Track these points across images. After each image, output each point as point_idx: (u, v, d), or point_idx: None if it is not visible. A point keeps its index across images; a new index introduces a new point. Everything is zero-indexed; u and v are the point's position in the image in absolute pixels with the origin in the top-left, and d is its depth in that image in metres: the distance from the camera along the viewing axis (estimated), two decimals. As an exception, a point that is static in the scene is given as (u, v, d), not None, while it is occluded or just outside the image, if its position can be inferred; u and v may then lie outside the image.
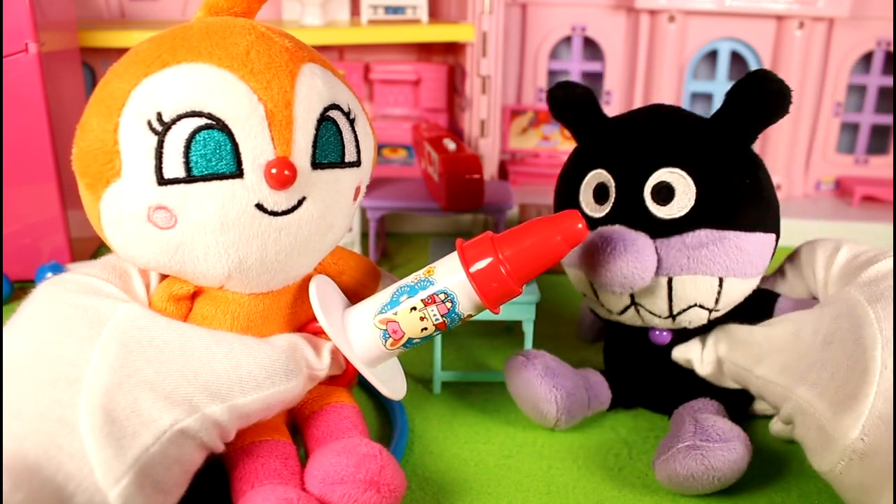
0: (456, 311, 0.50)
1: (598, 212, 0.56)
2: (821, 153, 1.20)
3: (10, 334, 0.43)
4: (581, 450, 0.59)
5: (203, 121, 0.43)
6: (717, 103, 1.06)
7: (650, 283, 0.54)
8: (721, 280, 0.54)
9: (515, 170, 1.20)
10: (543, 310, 0.81)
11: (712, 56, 1.19)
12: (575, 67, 1.21)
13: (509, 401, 0.66)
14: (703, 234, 0.53)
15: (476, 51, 1.03)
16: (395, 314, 0.50)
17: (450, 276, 0.49)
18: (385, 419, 0.63)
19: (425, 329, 0.50)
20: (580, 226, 0.48)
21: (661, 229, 0.53)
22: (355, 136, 0.50)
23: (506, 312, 0.65)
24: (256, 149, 0.44)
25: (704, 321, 0.57)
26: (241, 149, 0.43)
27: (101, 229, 0.47)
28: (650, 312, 0.56)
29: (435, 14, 1.17)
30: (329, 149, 0.47)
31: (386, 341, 0.50)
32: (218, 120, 0.43)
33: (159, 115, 0.43)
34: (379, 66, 1.18)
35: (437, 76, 1.18)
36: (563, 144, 1.22)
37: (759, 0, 1.09)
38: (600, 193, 0.56)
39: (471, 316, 0.51)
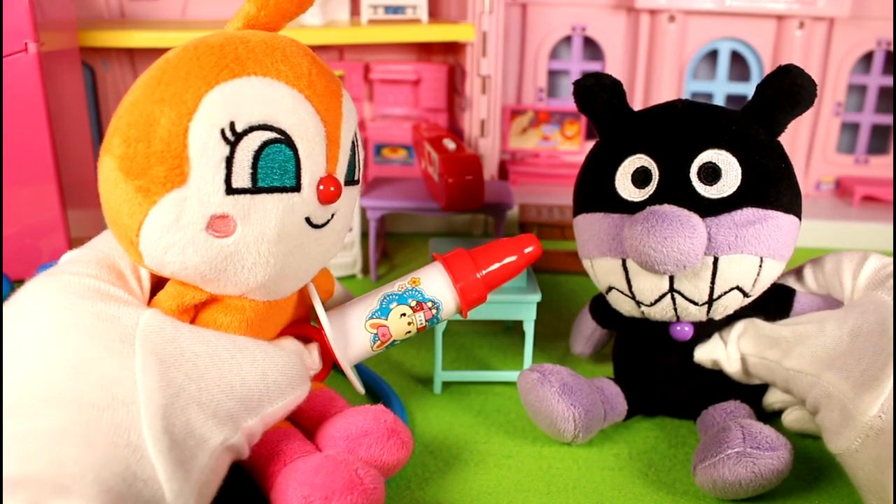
0: (438, 316, 0.57)
1: (639, 196, 0.56)
2: (821, 153, 1.20)
3: (39, 345, 0.41)
4: (581, 450, 0.59)
5: (273, 134, 0.44)
6: (718, 104, 1.06)
7: (699, 263, 0.54)
8: (762, 260, 0.55)
9: (515, 170, 1.20)
10: (544, 309, 0.81)
11: (712, 56, 1.18)
12: (575, 67, 1.20)
13: (509, 401, 0.66)
14: (749, 213, 0.54)
15: (476, 51, 1.03)
16: (387, 319, 0.56)
17: (439, 287, 0.57)
18: (385, 419, 0.63)
19: (409, 332, 0.57)
20: (530, 249, 0.58)
21: (708, 209, 0.54)
22: (359, 157, 0.53)
23: (507, 312, 0.65)
24: (315, 166, 0.46)
25: (737, 308, 0.58)
26: (303, 165, 0.46)
27: (134, 234, 0.45)
28: (687, 299, 0.56)
29: (435, 14, 1.17)
30: (352, 168, 0.51)
31: (374, 343, 0.56)
32: (286, 136, 0.45)
33: (232, 125, 0.43)
34: (379, 66, 1.18)
35: (437, 76, 1.18)
36: (562, 144, 1.22)
37: (760, 0, 1.09)
38: (640, 178, 0.56)
39: (444, 320, 0.59)
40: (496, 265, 0.58)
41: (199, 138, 0.43)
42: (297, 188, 0.46)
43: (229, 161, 0.43)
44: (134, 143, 0.43)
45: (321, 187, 0.47)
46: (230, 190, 0.43)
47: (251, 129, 0.43)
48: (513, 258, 0.58)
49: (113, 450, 0.37)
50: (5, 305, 0.44)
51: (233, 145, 0.43)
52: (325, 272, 0.61)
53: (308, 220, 0.47)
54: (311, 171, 0.46)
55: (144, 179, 0.43)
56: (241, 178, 0.44)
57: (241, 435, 0.44)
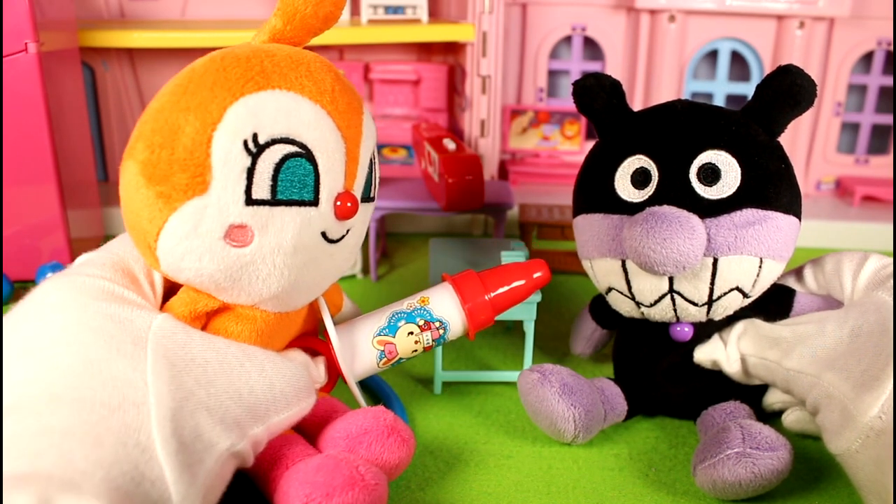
0: (445, 336, 0.58)
1: (638, 197, 0.56)
2: (821, 153, 1.20)
3: (48, 343, 0.41)
4: (581, 450, 0.59)
5: (294, 148, 0.45)
6: (718, 104, 1.06)
7: (698, 264, 0.54)
8: (761, 261, 0.55)
9: (515, 170, 1.20)
10: (543, 309, 0.81)
11: (712, 56, 1.18)
12: (575, 67, 1.20)
13: (509, 401, 0.66)
14: (749, 214, 0.54)
15: (476, 51, 1.03)
16: (394, 337, 0.56)
17: (447, 308, 0.57)
18: (385, 419, 0.63)
19: (415, 351, 0.57)
20: (539, 273, 0.59)
21: (707, 209, 0.54)
22: (376, 174, 0.54)
23: (507, 312, 0.65)
24: (333, 182, 0.47)
25: (737, 309, 0.58)
26: (322, 180, 0.46)
27: (153, 239, 0.45)
28: (687, 300, 0.56)
29: (435, 14, 1.17)
30: (369, 185, 0.52)
31: (380, 360, 0.56)
32: (307, 150, 0.45)
33: (255, 137, 0.43)
34: (379, 66, 1.18)
35: (437, 76, 1.18)
36: (563, 144, 1.22)
37: (760, 0, 1.09)
38: (640, 179, 0.56)
39: (451, 340, 0.59)
40: (505, 288, 0.58)
41: (222, 148, 0.43)
42: (315, 202, 0.46)
43: (251, 172, 0.44)
44: (158, 149, 0.44)
45: (339, 203, 0.47)
46: (250, 201, 0.44)
47: (273, 141, 0.44)
48: (521, 282, 0.59)
49: (122, 449, 0.37)
50: (18, 305, 0.45)
51: (255, 157, 0.43)
52: (334, 286, 0.61)
53: (324, 234, 0.48)
54: (330, 186, 0.47)
55: (166, 186, 0.43)
56: (261, 190, 0.44)
57: (248, 442, 0.45)
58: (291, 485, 0.46)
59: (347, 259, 0.53)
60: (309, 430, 0.54)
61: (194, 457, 0.40)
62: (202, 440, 0.41)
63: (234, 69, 0.45)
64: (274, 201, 0.45)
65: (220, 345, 0.46)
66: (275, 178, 0.44)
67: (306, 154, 0.45)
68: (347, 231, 0.50)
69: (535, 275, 0.59)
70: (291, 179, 0.45)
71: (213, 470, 0.41)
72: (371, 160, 0.51)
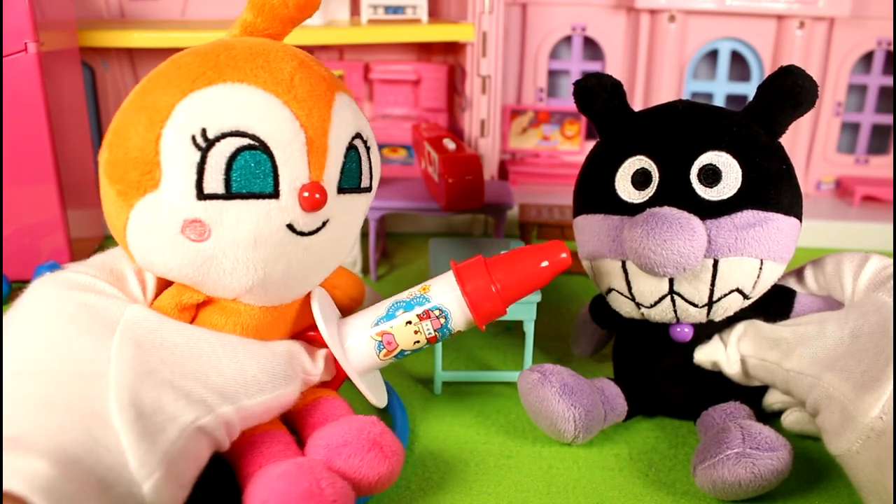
0: (448, 326, 0.55)
1: (639, 198, 0.56)
2: (821, 153, 1.20)
3: (19, 328, 0.43)
4: (581, 450, 0.59)
5: (247, 141, 0.44)
6: (718, 104, 1.06)
7: (698, 265, 0.54)
8: (762, 262, 0.55)
9: (515, 170, 1.20)
10: (544, 310, 0.81)
11: (712, 56, 1.18)
12: (575, 67, 1.20)
13: (509, 401, 0.66)
14: (749, 215, 0.54)
15: (476, 51, 1.03)
16: (391, 327, 0.54)
17: (445, 294, 0.54)
18: (385, 419, 0.63)
19: (418, 342, 0.55)
20: (564, 255, 0.55)
21: (708, 211, 0.54)
22: (370, 164, 0.53)
23: (507, 312, 0.65)
24: (294, 172, 0.46)
25: (737, 310, 0.58)
26: (280, 171, 0.45)
27: (123, 236, 0.47)
28: (687, 301, 0.56)
29: (435, 14, 1.17)
30: (351, 175, 0.50)
31: (380, 352, 0.54)
32: (261, 142, 0.45)
33: (204, 132, 0.44)
34: (379, 66, 1.18)
35: (437, 76, 1.18)
36: (563, 144, 1.22)
37: (760, 0, 1.09)
38: (640, 179, 0.56)
39: (460, 332, 0.56)
40: (513, 271, 0.54)
41: (170, 144, 0.44)
42: (274, 195, 0.45)
43: (201, 167, 0.44)
44: (114, 148, 0.45)
45: (305, 194, 0.46)
46: (202, 195, 0.44)
47: (223, 135, 0.44)
48: (533, 266, 0.54)
49: (76, 416, 0.39)
50: (14, 301, 0.47)
51: (204, 151, 0.44)
52: (351, 278, 0.60)
53: (291, 227, 0.47)
54: (290, 177, 0.46)
55: (122, 184, 0.45)
56: (214, 184, 0.44)
57: (216, 419, 0.45)
58: (255, 486, 0.45)
59: (334, 251, 0.51)
60: (303, 429, 0.54)
61: (155, 426, 0.41)
62: (164, 412, 0.42)
63: (189, 66, 0.46)
64: (228, 195, 0.44)
65: (194, 332, 0.47)
66: (228, 171, 0.44)
67: (260, 146, 0.45)
68: (324, 223, 0.49)
69: (544, 264, 0.54)
70: (245, 172, 0.44)
71: (177, 442, 0.42)
72: (352, 148, 0.50)
